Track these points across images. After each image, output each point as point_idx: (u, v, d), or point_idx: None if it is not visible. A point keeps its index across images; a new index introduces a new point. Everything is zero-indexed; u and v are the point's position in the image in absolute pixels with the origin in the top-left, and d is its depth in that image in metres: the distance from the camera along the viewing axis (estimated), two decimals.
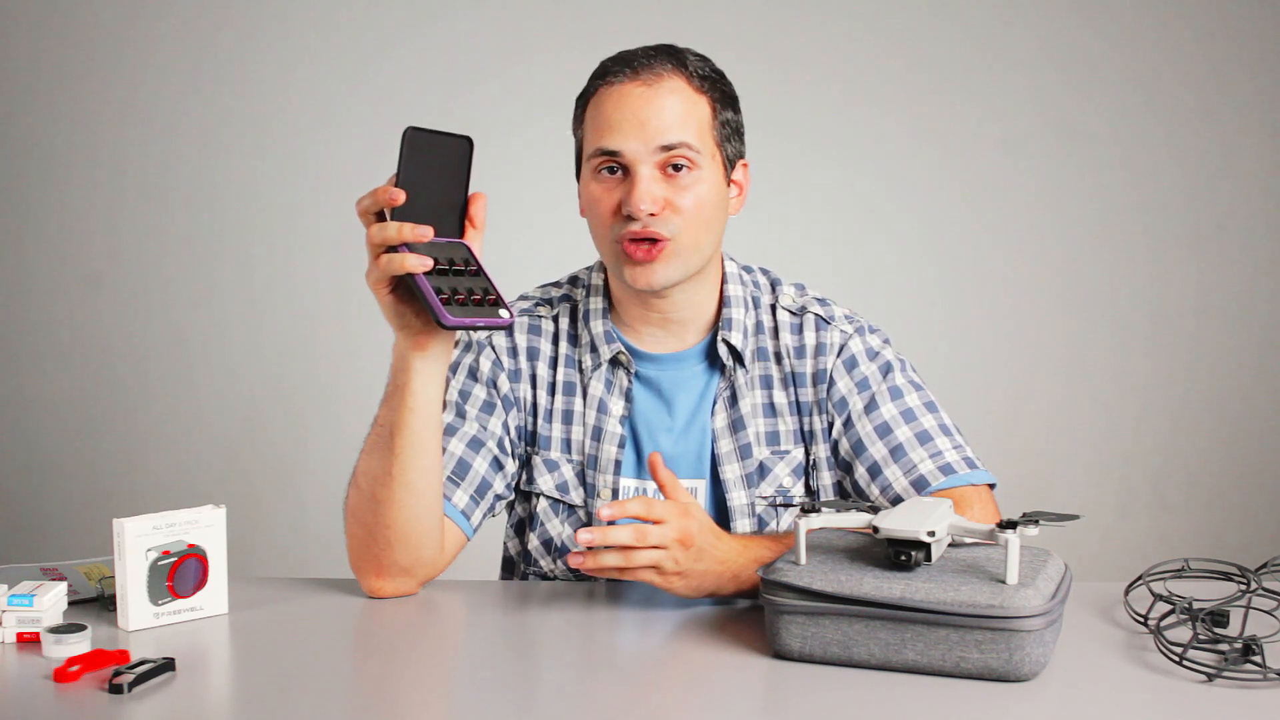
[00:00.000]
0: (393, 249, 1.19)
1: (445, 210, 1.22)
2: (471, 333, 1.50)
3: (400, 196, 1.18)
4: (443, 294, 1.17)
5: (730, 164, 1.45)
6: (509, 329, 1.49)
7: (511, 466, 1.48)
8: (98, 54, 2.97)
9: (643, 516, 1.20)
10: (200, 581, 1.27)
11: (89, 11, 2.97)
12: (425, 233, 1.18)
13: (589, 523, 1.48)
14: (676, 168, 1.39)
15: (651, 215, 1.37)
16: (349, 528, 1.36)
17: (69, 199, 3.00)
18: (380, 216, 1.20)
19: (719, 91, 1.44)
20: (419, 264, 1.17)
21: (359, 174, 2.91)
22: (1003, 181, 3.11)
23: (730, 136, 1.45)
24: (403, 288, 1.22)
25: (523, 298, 1.56)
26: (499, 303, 1.20)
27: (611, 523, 1.20)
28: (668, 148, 1.38)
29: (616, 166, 1.39)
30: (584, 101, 1.44)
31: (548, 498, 1.50)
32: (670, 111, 1.39)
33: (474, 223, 1.24)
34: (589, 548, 1.19)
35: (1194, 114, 3.10)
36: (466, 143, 1.22)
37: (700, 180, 1.40)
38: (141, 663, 1.10)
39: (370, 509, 1.32)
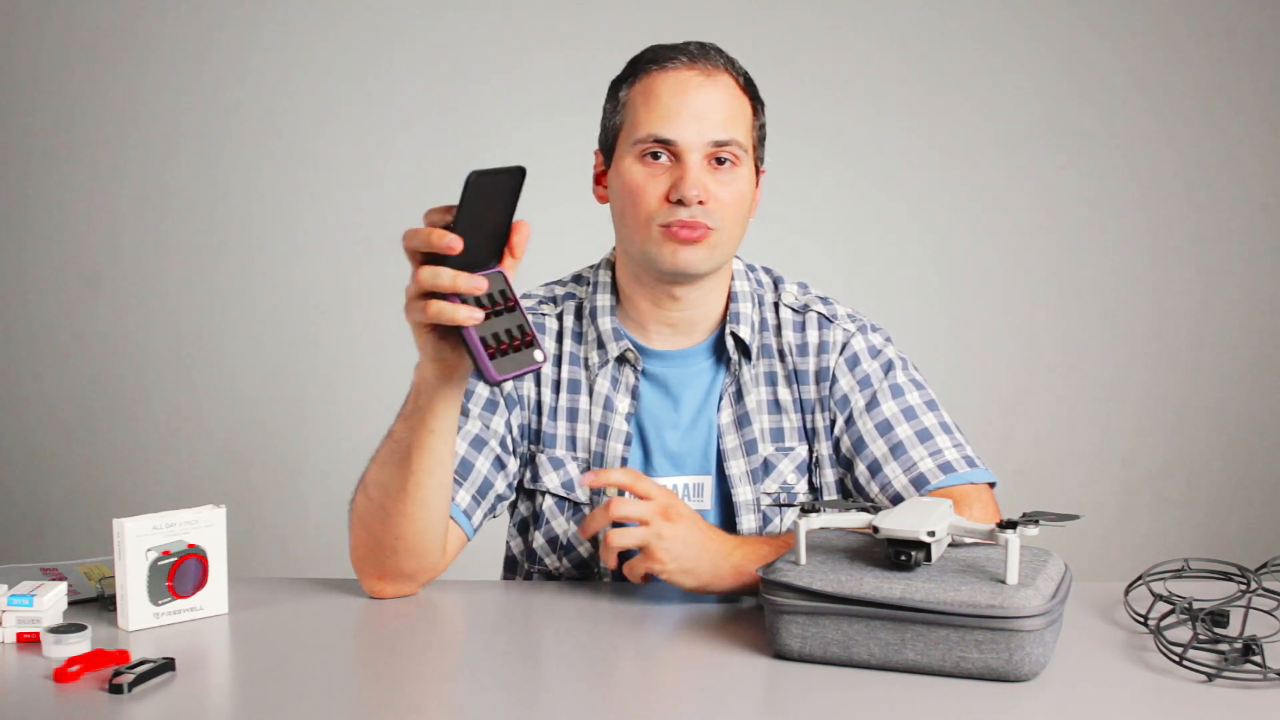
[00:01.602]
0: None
1: (489, 240, 1.17)
2: None
3: (458, 245, 1.12)
4: (489, 346, 1.14)
5: (756, 168, 1.47)
6: None
7: (513, 466, 1.48)
8: (98, 54, 2.97)
9: (628, 486, 1.28)
10: (200, 581, 1.27)
11: (89, 11, 2.96)
12: (479, 285, 1.13)
13: None
14: (721, 161, 1.40)
15: (700, 204, 1.38)
16: (354, 531, 1.35)
17: (69, 199, 3.00)
18: (428, 255, 1.15)
19: (756, 96, 1.46)
20: (470, 317, 1.13)
21: (360, 174, 2.97)
22: (1003, 181, 3.11)
23: (760, 142, 1.47)
24: (444, 327, 1.18)
25: (526, 296, 1.55)
26: (534, 342, 1.17)
27: (598, 493, 1.44)
28: (720, 143, 1.39)
29: (663, 153, 1.40)
30: (628, 84, 1.44)
31: (553, 495, 1.49)
32: (725, 107, 1.40)
33: (514, 253, 1.19)
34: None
35: (1194, 114, 3.10)
36: (519, 172, 1.16)
37: (740, 178, 1.41)
38: (141, 663, 1.10)
39: (379, 519, 1.32)
